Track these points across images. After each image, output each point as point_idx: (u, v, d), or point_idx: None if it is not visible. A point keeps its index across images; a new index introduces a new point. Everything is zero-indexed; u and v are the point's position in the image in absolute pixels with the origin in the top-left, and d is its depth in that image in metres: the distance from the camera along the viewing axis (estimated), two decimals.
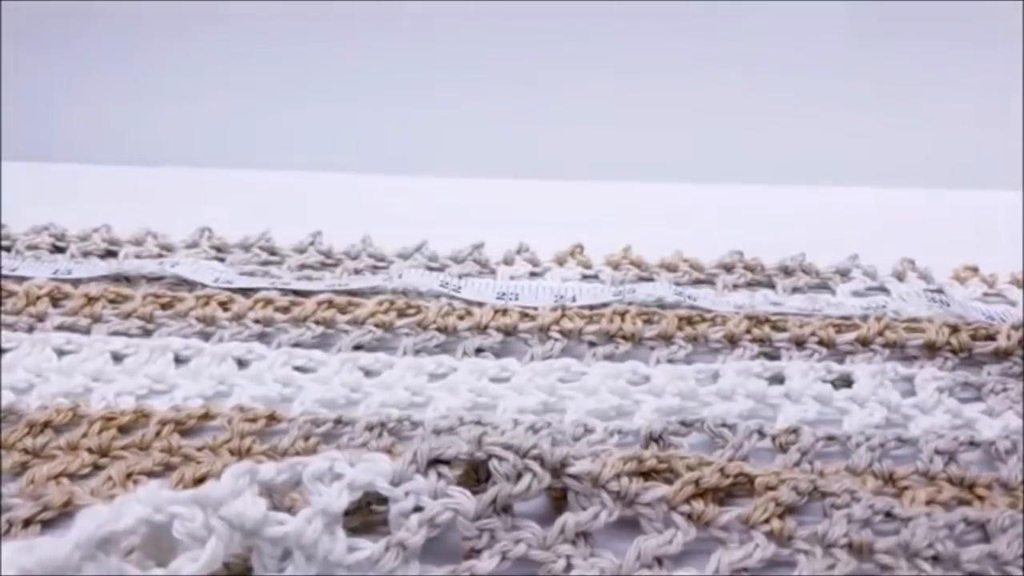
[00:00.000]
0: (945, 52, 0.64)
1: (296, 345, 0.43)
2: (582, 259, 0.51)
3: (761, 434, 0.38)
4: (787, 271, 0.50)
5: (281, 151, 0.65)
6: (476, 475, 0.32)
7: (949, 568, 0.31)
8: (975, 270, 0.50)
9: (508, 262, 0.51)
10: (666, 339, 0.44)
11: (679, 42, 0.65)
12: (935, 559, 0.32)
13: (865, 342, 0.44)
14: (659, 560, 0.31)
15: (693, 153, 0.66)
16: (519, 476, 0.31)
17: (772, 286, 0.50)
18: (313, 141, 0.68)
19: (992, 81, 0.65)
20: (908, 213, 0.58)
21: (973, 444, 0.37)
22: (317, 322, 0.45)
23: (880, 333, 0.44)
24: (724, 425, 0.38)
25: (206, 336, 0.44)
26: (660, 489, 0.32)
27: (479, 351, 0.44)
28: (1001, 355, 0.42)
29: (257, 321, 0.45)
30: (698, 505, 0.32)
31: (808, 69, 0.66)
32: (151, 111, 0.69)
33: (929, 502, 0.34)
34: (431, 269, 0.51)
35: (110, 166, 0.60)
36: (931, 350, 0.43)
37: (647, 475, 0.33)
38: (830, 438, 0.38)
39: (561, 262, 0.51)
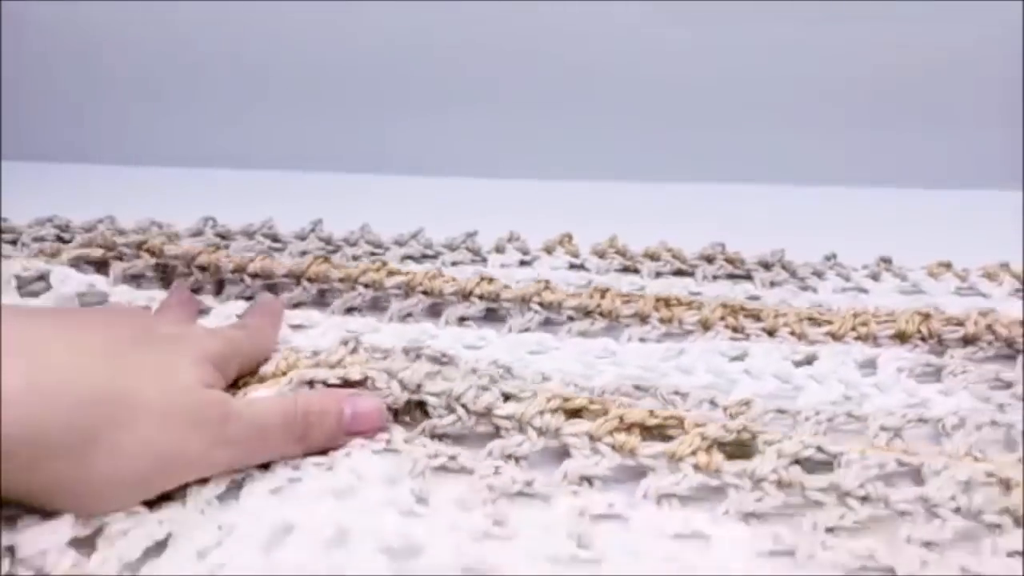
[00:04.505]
0: (944, 50, 0.63)
1: (297, 305, 0.46)
2: (571, 248, 0.53)
3: (713, 404, 0.39)
4: (766, 266, 0.51)
5: (282, 151, 0.66)
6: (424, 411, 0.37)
7: (879, 508, 0.32)
8: (948, 266, 0.50)
9: (500, 250, 0.53)
10: (642, 319, 0.45)
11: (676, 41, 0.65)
12: (864, 499, 0.32)
13: (837, 336, 0.44)
14: (588, 480, 0.32)
15: (687, 153, 0.66)
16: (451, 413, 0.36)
17: (751, 279, 0.50)
18: (313, 141, 0.68)
19: (992, 81, 0.63)
20: (908, 213, 0.59)
21: (922, 421, 0.38)
22: (311, 279, 0.47)
23: (853, 328, 0.44)
24: (677, 393, 0.39)
25: None
26: (584, 424, 0.34)
27: (463, 320, 0.46)
28: (968, 340, 0.43)
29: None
30: (621, 437, 0.33)
31: (808, 67, 0.65)
32: (152, 111, 0.70)
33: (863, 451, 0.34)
34: (426, 256, 0.53)
35: (110, 166, 0.61)
36: (902, 339, 0.43)
37: (577, 413, 0.34)
38: (780, 411, 0.39)
39: (550, 251, 0.53)
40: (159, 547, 0.31)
